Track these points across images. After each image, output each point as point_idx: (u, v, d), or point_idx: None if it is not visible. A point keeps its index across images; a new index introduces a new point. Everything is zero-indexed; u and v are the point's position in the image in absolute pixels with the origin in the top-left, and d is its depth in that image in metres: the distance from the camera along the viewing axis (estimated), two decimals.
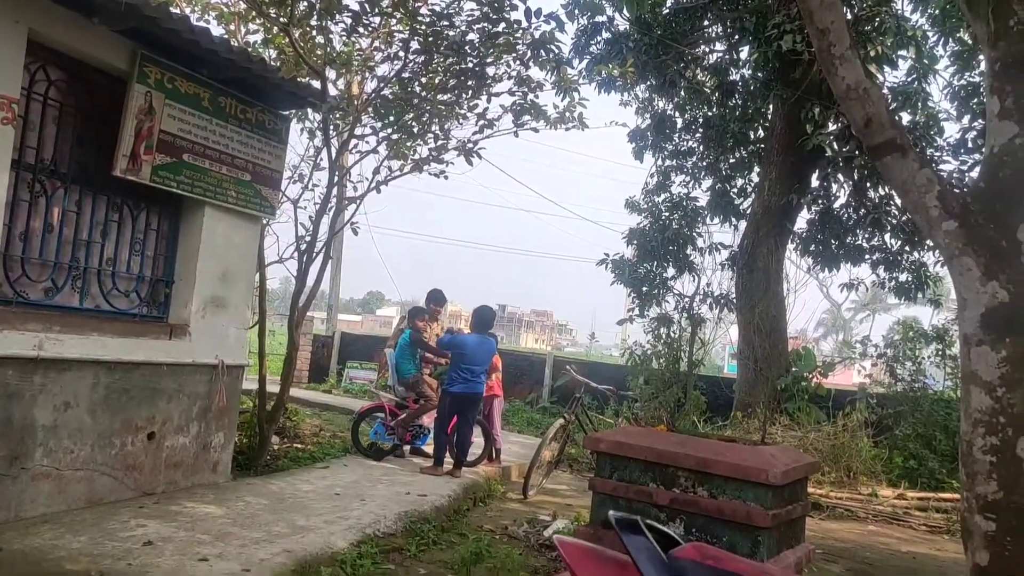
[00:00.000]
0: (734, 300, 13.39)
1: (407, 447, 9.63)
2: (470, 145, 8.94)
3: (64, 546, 4.94)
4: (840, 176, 12.71)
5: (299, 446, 9.36)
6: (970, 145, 11.19)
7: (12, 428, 5.35)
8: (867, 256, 12.91)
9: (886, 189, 12.21)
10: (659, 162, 14.68)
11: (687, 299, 13.79)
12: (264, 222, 8.24)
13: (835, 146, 11.69)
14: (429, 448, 9.35)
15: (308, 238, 8.54)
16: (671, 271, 13.93)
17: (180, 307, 6.88)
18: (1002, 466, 3.32)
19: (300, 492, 7.17)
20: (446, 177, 9.36)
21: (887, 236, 12.64)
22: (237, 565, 4.96)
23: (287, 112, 7.91)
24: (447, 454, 8.91)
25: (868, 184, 12.27)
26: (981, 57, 10.78)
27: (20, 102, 5.43)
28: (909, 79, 11.68)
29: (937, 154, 11.41)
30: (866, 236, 12.83)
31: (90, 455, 5.92)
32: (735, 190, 14.54)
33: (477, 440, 9.65)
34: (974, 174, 10.31)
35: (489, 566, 5.82)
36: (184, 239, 6.98)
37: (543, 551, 6.68)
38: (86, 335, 5.87)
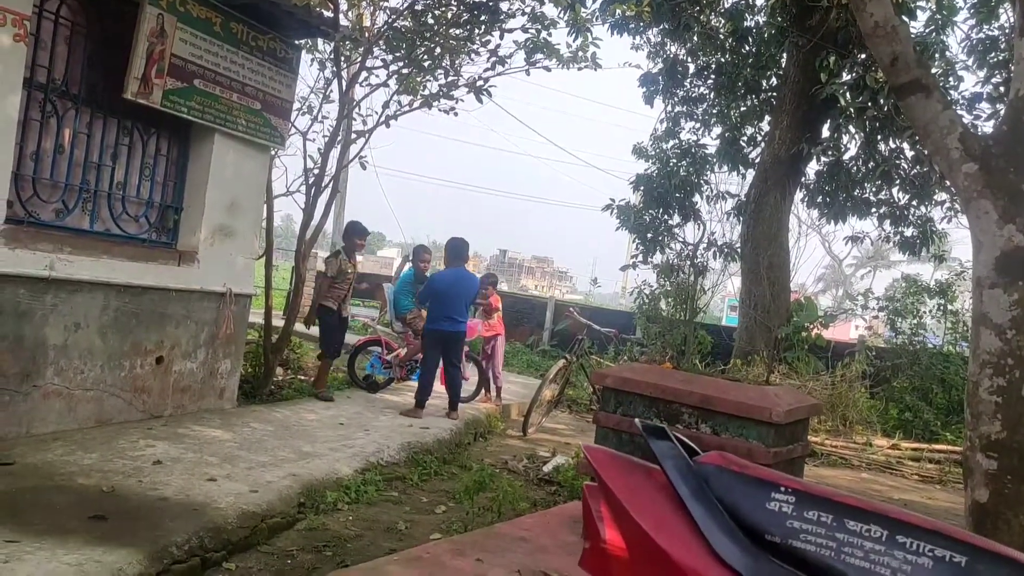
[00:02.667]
0: (738, 248, 13.39)
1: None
2: (480, 82, 8.84)
3: (76, 462, 5.03)
4: (851, 128, 12.57)
5: (302, 378, 9.45)
6: (985, 98, 11.08)
7: (24, 346, 5.41)
8: (874, 209, 12.87)
9: (897, 142, 12.13)
10: (669, 108, 14.53)
11: (691, 246, 13.79)
12: (273, 152, 8.19)
13: (848, 96, 11.56)
14: None
15: (316, 171, 8.50)
16: (677, 218, 13.90)
17: (189, 234, 6.89)
18: (1007, 407, 3.37)
19: (304, 420, 7.27)
20: (455, 114, 9.29)
21: (895, 190, 12.59)
22: (245, 486, 5.05)
23: (299, 41, 7.82)
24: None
25: (879, 136, 12.17)
26: (1002, 10, 10.65)
27: (32, 19, 5.36)
28: (927, 30, 11.51)
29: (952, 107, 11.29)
30: (874, 189, 12.78)
31: (100, 376, 5.98)
32: (745, 138, 14.41)
33: (475, 378, 9.76)
34: (988, 127, 10.23)
35: (490, 496, 5.93)
36: (193, 166, 6.95)
37: (542, 485, 6.81)
38: (96, 257, 5.89)
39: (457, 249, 8.75)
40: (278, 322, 8.85)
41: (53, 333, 5.60)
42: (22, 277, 5.34)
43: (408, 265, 10.41)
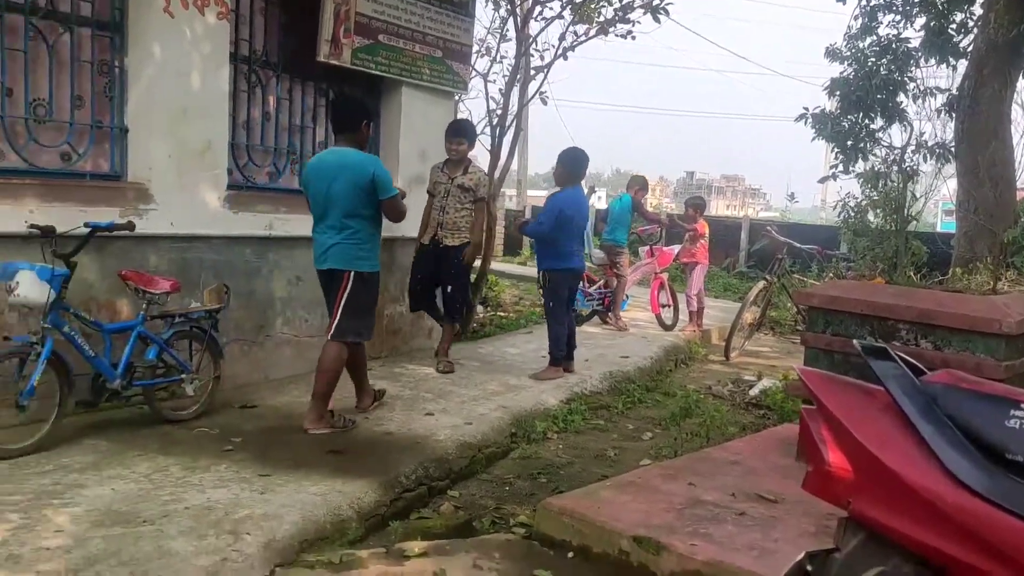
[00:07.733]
0: (952, 148, 12.26)
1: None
2: (657, 1, 8.54)
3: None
4: None
5: (502, 314, 9.78)
6: None
7: (255, 300, 5.95)
8: None
9: None
10: (864, 2, 13.38)
11: (898, 151, 12.80)
12: (456, 98, 8.38)
13: None
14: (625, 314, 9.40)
15: (499, 111, 8.61)
16: (879, 122, 12.90)
17: None
18: None
19: (508, 355, 7.54)
20: (633, 37, 9.03)
21: None
22: (460, 419, 5.34)
23: None
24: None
25: None
26: None
27: None
28: None
29: None
30: None
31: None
32: (954, 26, 13.02)
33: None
34: None
35: (697, 421, 5.92)
36: (385, 119, 7.25)
37: (749, 409, 6.70)
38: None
39: (579, 162, 7.07)
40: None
41: (278, 287, 6.12)
42: (247, 237, 5.86)
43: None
